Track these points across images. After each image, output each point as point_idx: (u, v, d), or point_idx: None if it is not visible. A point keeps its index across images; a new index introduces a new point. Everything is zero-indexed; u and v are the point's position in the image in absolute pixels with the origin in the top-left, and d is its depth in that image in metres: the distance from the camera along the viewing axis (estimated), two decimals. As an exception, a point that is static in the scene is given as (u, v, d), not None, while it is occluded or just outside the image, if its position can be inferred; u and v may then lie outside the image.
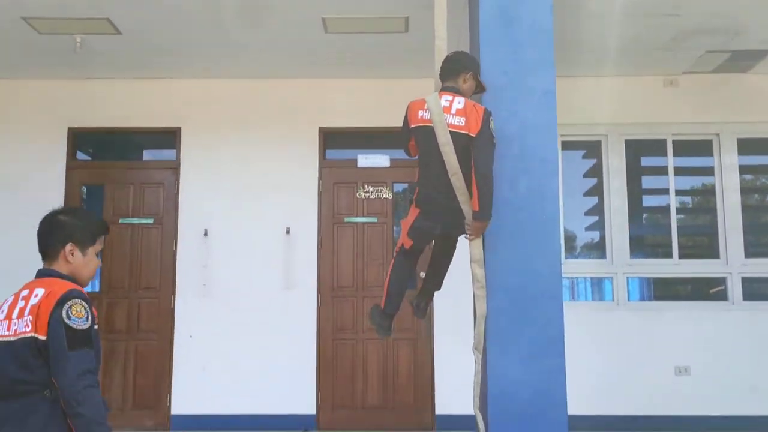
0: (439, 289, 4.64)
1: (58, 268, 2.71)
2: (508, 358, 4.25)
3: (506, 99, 4.48)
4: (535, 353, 4.25)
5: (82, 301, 2.55)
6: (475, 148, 4.05)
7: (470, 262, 4.25)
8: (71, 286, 2.62)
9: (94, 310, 2.64)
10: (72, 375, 2.44)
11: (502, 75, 4.51)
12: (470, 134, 4.05)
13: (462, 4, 5.06)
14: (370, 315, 4.62)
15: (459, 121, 4.09)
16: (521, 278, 4.32)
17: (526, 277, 4.32)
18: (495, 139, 4.07)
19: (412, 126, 4.30)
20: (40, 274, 2.71)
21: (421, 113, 4.24)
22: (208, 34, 6.29)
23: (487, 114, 4.09)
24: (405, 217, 4.48)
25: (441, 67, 4.41)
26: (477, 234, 4.19)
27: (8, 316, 2.57)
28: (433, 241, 4.52)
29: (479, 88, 4.37)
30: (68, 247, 2.70)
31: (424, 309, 4.70)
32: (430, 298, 4.71)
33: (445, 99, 4.18)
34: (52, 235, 2.72)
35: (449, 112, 4.12)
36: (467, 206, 4.10)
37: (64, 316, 2.49)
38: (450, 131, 4.08)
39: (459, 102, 4.14)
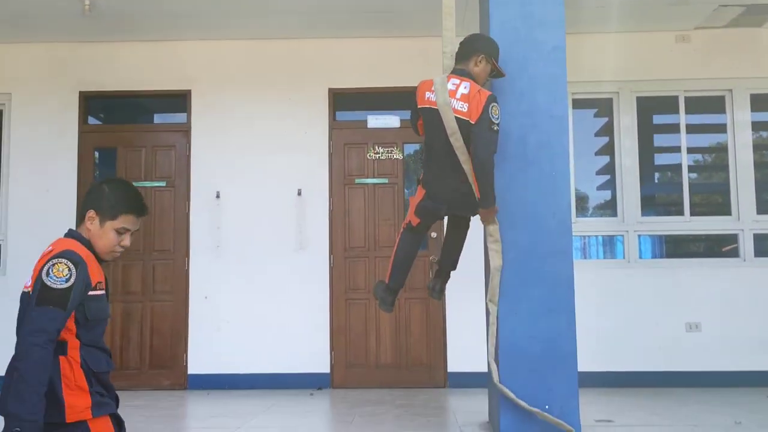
0: (454, 269, 4.66)
1: (81, 231, 2.77)
2: (518, 314, 4.31)
3: (516, 55, 4.48)
4: (546, 309, 4.30)
5: (69, 262, 2.57)
6: (474, 135, 4.06)
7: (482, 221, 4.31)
8: (73, 247, 2.66)
9: (97, 274, 2.69)
10: (26, 329, 2.48)
11: (511, 30, 4.50)
12: (470, 121, 4.06)
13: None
14: (374, 289, 4.66)
15: (462, 107, 4.11)
16: (531, 235, 4.36)
17: (537, 233, 4.36)
18: (497, 125, 4.03)
19: (419, 106, 4.32)
20: (67, 234, 2.78)
21: (428, 94, 4.26)
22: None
23: (490, 100, 4.06)
24: (414, 195, 4.50)
25: (457, 51, 4.40)
26: (487, 221, 4.22)
27: (33, 270, 2.63)
28: (447, 222, 4.55)
29: (496, 73, 4.34)
30: (90, 213, 2.76)
31: (440, 291, 4.72)
32: (445, 280, 4.72)
33: (452, 82, 4.18)
34: (86, 198, 2.81)
35: (454, 97, 4.13)
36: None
37: (44, 272, 2.54)
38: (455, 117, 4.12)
39: (465, 87, 4.14)
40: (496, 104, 4.08)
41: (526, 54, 4.47)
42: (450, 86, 4.17)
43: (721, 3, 6.48)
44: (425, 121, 4.33)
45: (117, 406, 2.81)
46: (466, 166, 4.12)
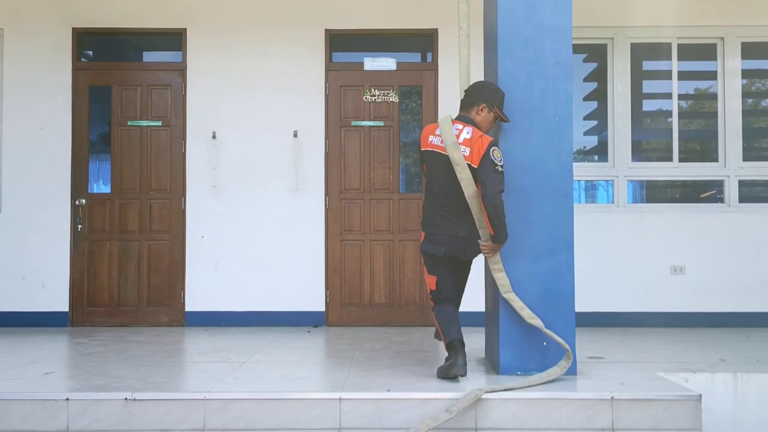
0: (458, 302, 4.70)
1: None
2: (520, 254, 4.46)
3: (523, 1, 4.52)
4: (546, 249, 4.46)
5: None
6: (480, 177, 4.24)
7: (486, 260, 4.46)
8: None
9: None
10: None
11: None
12: (473, 165, 4.27)
13: None
14: (449, 371, 4.37)
15: (464, 151, 4.31)
16: (534, 178, 4.48)
17: (539, 176, 4.48)
18: (500, 167, 4.23)
19: (422, 150, 4.54)
20: None
21: (431, 138, 4.48)
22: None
23: (492, 144, 4.28)
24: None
25: (462, 98, 4.60)
26: (492, 253, 4.37)
27: None
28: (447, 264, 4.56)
29: (500, 119, 4.45)
30: None
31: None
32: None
33: (455, 127, 4.40)
34: None
35: (457, 141, 4.33)
36: (484, 230, 4.33)
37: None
38: None
39: (467, 132, 4.37)
40: (497, 147, 4.30)
41: (534, 0, 4.51)
42: (453, 130, 4.39)
43: (719, -50, 6.53)
44: (427, 165, 4.54)
45: None
46: (473, 200, 4.29)
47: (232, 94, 7.16)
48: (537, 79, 4.51)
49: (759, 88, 7.81)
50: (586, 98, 7.74)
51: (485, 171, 4.24)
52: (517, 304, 4.36)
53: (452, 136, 4.36)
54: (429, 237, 4.54)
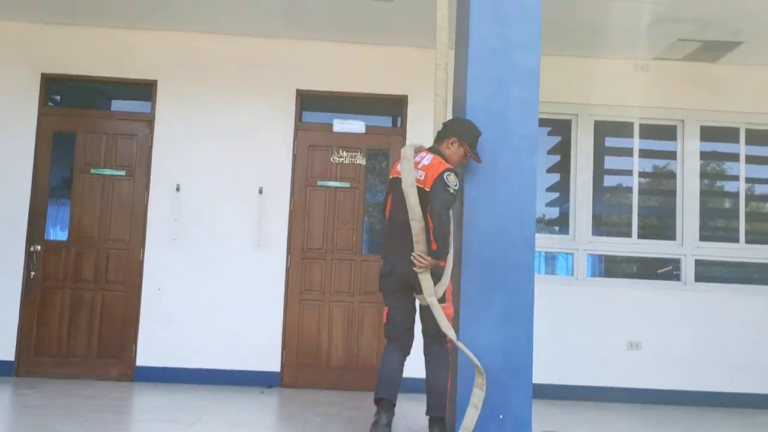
0: (407, 346, 4.59)
1: None
2: (479, 324, 4.44)
3: (492, 75, 4.63)
4: (505, 320, 4.45)
5: None
6: (431, 196, 4.26)
7: (423, 294, 4.34)
8: None
9: None
10: None
11: (489, 51, 4.65)
12: (425, 188, 4.30)
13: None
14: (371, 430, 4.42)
15: (420, 175, 4.37)
16: (497, 248, 4.50)
17: (502, 247, 4.51)
18: (452, 189, 4.25)
19: (390, 178, 4.62)
20: None
21: (399, 166, 4.52)
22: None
23: (447, 170, 4.31)
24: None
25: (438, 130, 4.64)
26: (425, 268, 4.31)
27: None
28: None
29: (472, 157, 4.49)
30: None
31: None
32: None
33: (420, 155, 4.47)
34: None
35: (417, 167, 4.40)
36: (421, 245, 4.29)
37: None
38: None
39: (427, 159, 4.42)
40: (452, 173, 4.32)
41: (502, 75, 4.62)
42: (417, 158, 4.45)
43: (680, 37, 6.78)
44: (392, 193, 4.57)
45: None
46: (414, 222, 4.27)
47: (199, 147, 7.14)
48: (503, 151, 4.57)
49: (714, 169, 8.01)
50: (549, 170, 7.87)
51: (436, 190, 4.25)
52: (437, 312, 4.29)
53: (410, 162, 4.38)
54: (383, 262, 4.55)
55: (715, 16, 6.29)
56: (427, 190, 4.29)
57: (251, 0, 6.45)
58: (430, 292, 4.32)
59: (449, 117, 4.78)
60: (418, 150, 4.55)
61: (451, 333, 4.30)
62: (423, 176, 4.34)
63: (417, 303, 4.55)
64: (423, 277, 4.32)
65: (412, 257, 4.31)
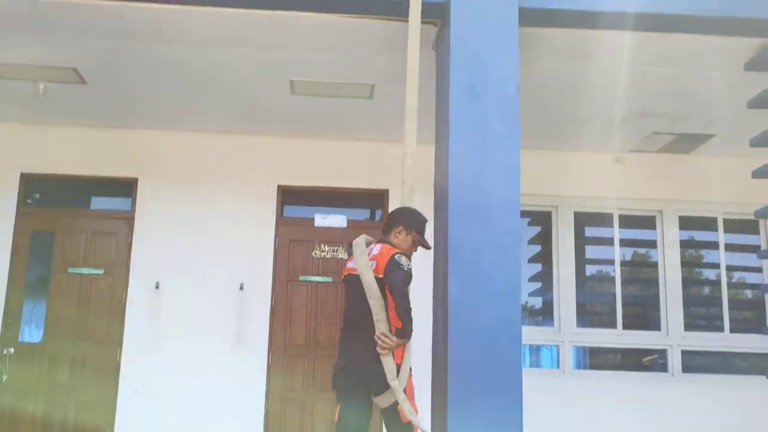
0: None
1: None
2: (468, 425, 4.31)
3: (472, 171, 4.64)
4: (495, 423, 4.32)
5: None
6: (387, 280, 4.22)
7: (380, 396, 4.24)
8: None
9: None
10: None
11: (469, 147, 4.67)
12: (378, 275, 4.25)
13: (430, 74, 5.23)
14: None
15: (372, 265, 4.31)
16: (483, 345, 4.42)
17: (488, 344, 4.42)
18: (405, 266, 4.23)
19: (342, 277, 4.55)
20: None
21: (348, 264, 4.51)
22: (173, 89, 6.33)
23: (394, 254, 4.27)
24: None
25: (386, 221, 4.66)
26: (389, 350, 4.21)
27: None
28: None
29: (421, 244, 4.51)
30: None
31: None
32: None
33: (370, 247, 4.44)
34: None
35: (368, 256, 4.37)
36: (382, 323, 4.19)
37: None
38: None
39: (377, 249, 4.39)
40: (402, 255, 4.29)
41: (483, 171, 4.64)
42: (367, 249, 4.42)
43: (655, 131, 6.92)
44: (345, 291, 4.55)
45: None
46: (373, 301, 4.20)
47: (180, 244, 7.08)
48: (486, 248, 4.54)
49: (694, 257, 8.05)
50: (530, 260, 7.87)
51: (390, 272, 4.19)
52: (400, 396, 4.14)
53: (362, 247, 4.37)
54: (338, 358, 4.46)
55: (687, 110, 6.43)
56: (381, 276, 4.23)
57: (231, 100, 6.54)
58: (393, 376, 4.18)
59: (424, 207, 4.76)
60: (369, 243, 4.53)
61: (416, 419, 4.16)
62: (375, 265, 4.28)
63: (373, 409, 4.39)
64: (386, 360, 4.19)
65: (375, 338, 4.19)
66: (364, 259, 4.34)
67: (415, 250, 4.56)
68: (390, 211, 4.66)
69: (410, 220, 4.51)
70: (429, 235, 4.96)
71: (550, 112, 6.51)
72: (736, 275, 7.92)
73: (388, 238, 4.49)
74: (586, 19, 4.99)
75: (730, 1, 5.00)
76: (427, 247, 4.53)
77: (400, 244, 4.46)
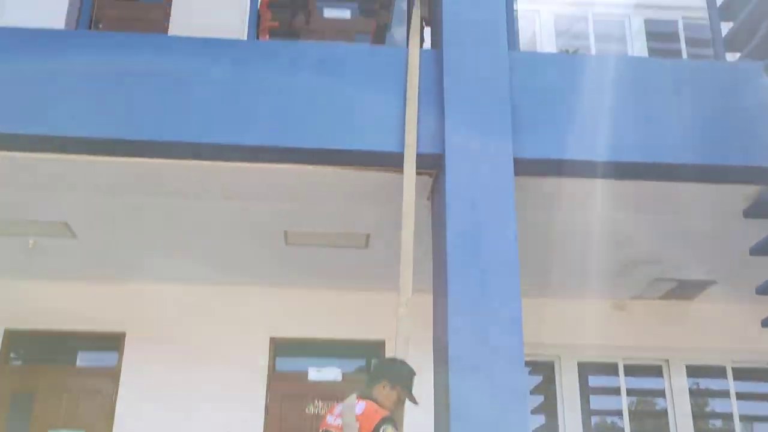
0: None
1: None
2: None
3: (473, 324, 4.48)
4: None
5: None
6: None
7: None
8: None
9: None
10: None
11: (469, 299, 4.53)
12: None
13: (425, 224, 5.16)
14: None
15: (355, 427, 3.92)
16: None
17: None
18: None
19: (320, 430, 4.12)
20: None
21: (328, 417, 4.08)
22: (164, 242, 6.27)
23: (384, 421, 3.84)
24: None
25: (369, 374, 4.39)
26: None
27: None
28: None
29: (409, 399, 4.12)
30: None
31: None
32: None
33: (354, 403, 4.02)
34: None
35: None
36: None
37: None
38: None
39: (360, 407, 3.95)
40: (389, 426, 3.83)
41: (485, 324, 4.47)
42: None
43: (656, 277, 6.81)
44: None
45: None
46: None
47: (167, 400, 6.76)
48: (491, 405, 4.30)
49: (704, 405, 7.71)
50: (533, 411, 7.53)
51: None
52: None
53: (351, 407, 3.89)
54: None
55: (688, 257, 6.35)
56: None
57: (222, 252, 6.45)
58: None
59: (424, 362, 4.51)
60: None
61: None
62: (357, 427, 3.86)
63: None
64: None
65: None
66: (351, 416, 3.99)
67: (402, 408, 4.20)
68: (373, 361, 4.33)
69: (395, 373, 4.09)
70: (425, 391, 4.70)
71: (549, 260, 6.41)
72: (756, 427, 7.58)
73: (371, 394, 4.05)
74: (583, 168, 5.00)
75: (723, 150, 5.04)
76: (416, 403, 4.13)
77: (384, 401, 4.00)
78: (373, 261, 6.45)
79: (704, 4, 8.56)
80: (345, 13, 7.53)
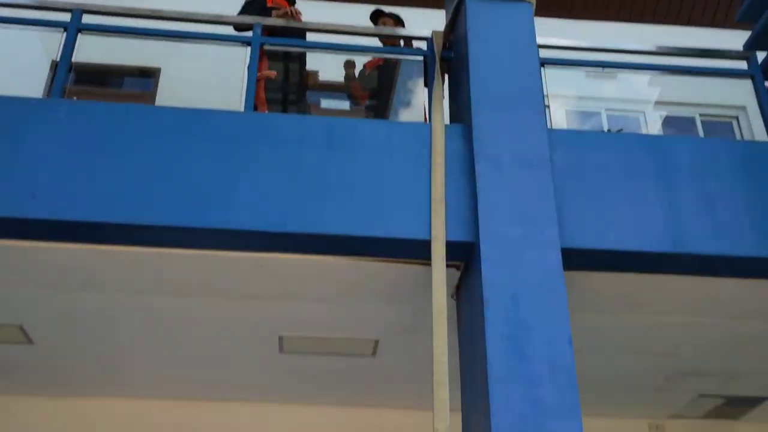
0: None
1: None
2: None
3: None
4: None
5: None
6: None
7: None
8: None
9: None
10: None
11: (517, 418, 3.67)
12: None
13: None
14: None
15: None
16: None
17: None
18: None
19: None
20: None
21: None
22: (136, 349, 5.36)
23: None
24: None
25: None
26: None
27: None
28: None
29: None
30: None
31: None
32: None
33: None
34: None
35: None
36: None
37: None
38: None
39: None
40: None
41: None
42: None
43: (701, 392, 5.99)
44: None
45: None
46: None
47: None
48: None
49: None
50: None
51: None
52: None
53: None
54: None
55: (743, 368, 5.56)
56: None
57: (206, 361, 5.56)
58: None
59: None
60: None
61: None
62: None
63: None
64: None
65: None
66: None
67: None
68: None
69: None
70: None
71: (584, 371, 5.55)
72: None
73: None
74: (638, 261, 4.26)
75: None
76: None
77: None
78: (380, 371, 5.59)
79: (723, 101, 8.31)
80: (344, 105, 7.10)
